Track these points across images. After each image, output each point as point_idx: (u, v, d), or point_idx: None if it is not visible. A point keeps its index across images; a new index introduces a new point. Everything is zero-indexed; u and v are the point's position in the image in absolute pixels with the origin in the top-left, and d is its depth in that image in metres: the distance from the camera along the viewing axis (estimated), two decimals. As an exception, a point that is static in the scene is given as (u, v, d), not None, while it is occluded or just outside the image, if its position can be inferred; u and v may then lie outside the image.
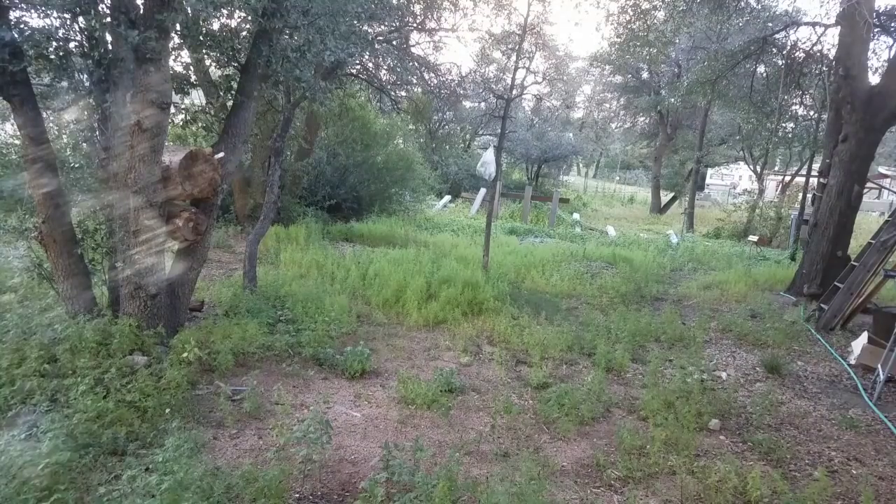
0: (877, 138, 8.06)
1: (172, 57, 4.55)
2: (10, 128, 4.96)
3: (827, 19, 10.22)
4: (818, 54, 10.78)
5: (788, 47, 11.15)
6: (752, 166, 20.99)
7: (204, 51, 5.11)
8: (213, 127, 5.86)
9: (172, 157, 4.25)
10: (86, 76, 3.97)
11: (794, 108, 13.75)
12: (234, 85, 5.27)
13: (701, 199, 26.20)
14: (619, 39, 12.60)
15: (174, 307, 4.62)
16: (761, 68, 12.33)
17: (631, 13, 11.33)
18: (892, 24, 9.62)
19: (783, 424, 4.19)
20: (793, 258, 11.09)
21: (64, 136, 4.75)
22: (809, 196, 11.51)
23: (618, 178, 44.56)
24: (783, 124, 14.40)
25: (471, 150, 25.81)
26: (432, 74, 12.04)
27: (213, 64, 5.94)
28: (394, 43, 9.88)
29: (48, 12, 3.83)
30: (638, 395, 4.51)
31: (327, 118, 10.91)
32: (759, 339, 6.10)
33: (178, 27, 4.21)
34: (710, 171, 31.91)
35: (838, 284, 6.84)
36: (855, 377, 5.17)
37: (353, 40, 5.56)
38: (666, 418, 3.85)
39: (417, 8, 10.01)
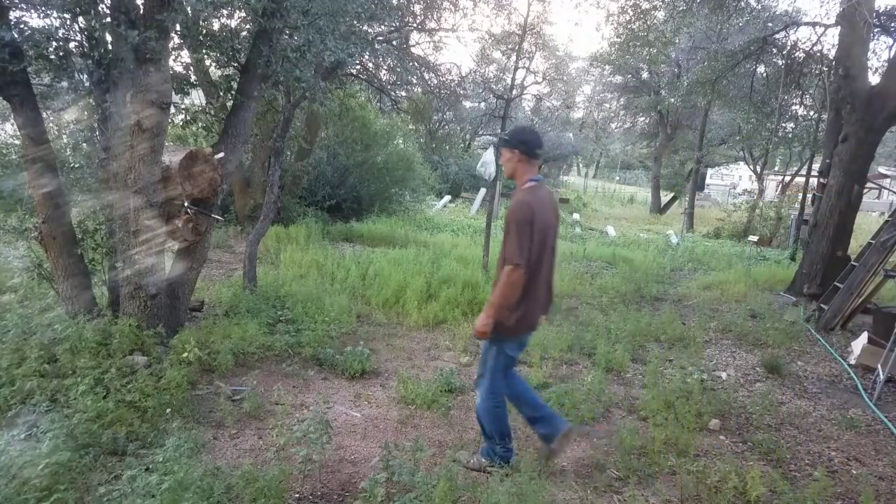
0: (877, 138, 8.05)
1: (172, 57, 4.55)
2: (10, 128, 4.96)
3: (827, 19, 10.23)
4: (818, 54, 10.77)
5: (788, 47, 11.15)
6: (752, 166, 21.01)
7: (204, 51, 5.11)
8: (213, 127, 5.86)
9: (172, 157, 4.25)
10: (86, 76, 3.97)
11: (794, 108, 13.76)
12: (234, 85, 5.27)
13: (701, 199, 26.18)
14: (619, 39, 12.59)
15: (174, 307, 4.62)
16: (761, 68, 12.33)
17: (631, 13, 11.32)
18: (892, 24, 9.63)
19: (783, 424, 4.19)
20: (793, 258, 11.08)
21: (64, 136, 4.74)
22: (809, 196, 11.51)
23: (618, 178, 44.57)
24: (783, 124, 14.41)
25: (471, 150, 25.81)
26: (432, 74, 12.04)
27: (213, 64, 5.94)
28: (394, 43, 9.87)
29: (48, 12, 3.83)
30: (638, 395, 4.51)
31: (327, 118, 10.90)
32: (759, 339, 6.10)
33: (178, 27, 4.21)
34: (710, 171, 31.92)
35: (838, 284, 6.83)
36: (855, 377, 5.17)
37: (353, 40, 5.55)
38: (666, 418, 3.85)
39: (417, 8, 10.00)
